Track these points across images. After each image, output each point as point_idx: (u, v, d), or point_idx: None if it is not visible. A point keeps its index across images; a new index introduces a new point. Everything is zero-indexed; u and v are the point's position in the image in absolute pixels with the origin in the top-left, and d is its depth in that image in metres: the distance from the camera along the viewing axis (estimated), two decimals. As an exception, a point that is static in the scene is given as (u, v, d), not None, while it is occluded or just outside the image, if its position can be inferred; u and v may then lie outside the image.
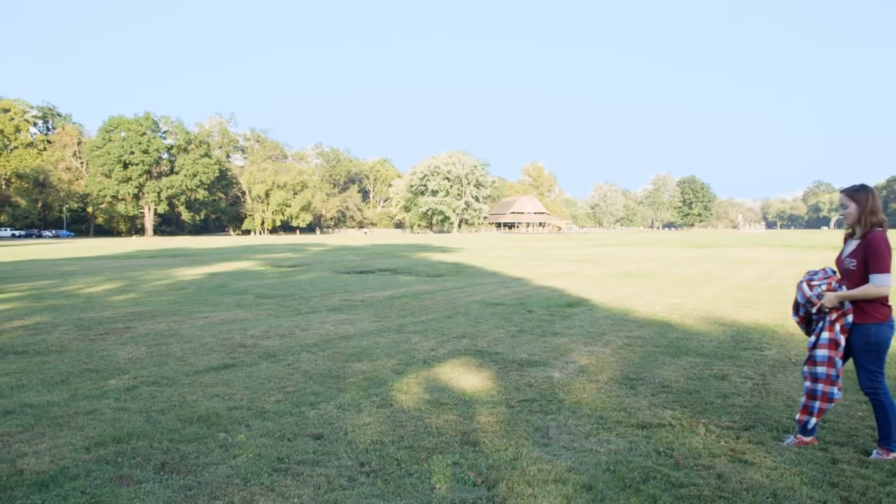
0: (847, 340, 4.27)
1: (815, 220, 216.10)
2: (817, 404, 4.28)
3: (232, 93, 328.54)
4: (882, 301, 4.14)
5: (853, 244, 4.26)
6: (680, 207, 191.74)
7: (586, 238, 69.49)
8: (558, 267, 22.11)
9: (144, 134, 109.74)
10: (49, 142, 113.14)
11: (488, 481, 3.78)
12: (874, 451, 4.23)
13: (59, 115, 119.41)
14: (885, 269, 4.03)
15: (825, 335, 4.27)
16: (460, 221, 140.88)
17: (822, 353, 4.27)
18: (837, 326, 4.24)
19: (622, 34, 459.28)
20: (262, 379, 6.22)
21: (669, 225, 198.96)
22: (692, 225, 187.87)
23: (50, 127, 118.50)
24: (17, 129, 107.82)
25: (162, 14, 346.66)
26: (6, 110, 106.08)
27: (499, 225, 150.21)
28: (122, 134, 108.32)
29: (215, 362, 6.99)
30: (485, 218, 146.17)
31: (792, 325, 9.34)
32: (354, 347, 7.80)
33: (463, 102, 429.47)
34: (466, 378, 6.34)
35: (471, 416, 5.07)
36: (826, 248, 36.19)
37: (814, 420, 4.31)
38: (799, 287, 4.45)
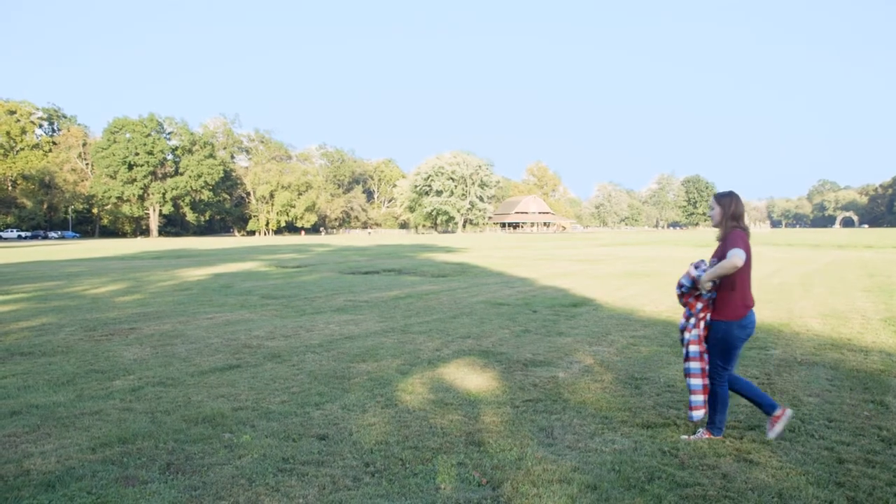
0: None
1: (821, 219, 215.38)
2: (701, 397, 4.52)
3: (236, 93, 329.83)
4: (741, 299, 4.42)
5: (719, 245, 4.55)
6: (685, 207, 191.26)
7: (591, 238, 69.41)
8: (563, 267, 22.09)
9: (149, 135, 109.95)
10: (54, 143, 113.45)
11: (493, 481, 3.78)
12: (699, 431, 4.57)
13: (65, 117, 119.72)
14: (736, 245, 4.30)
15: (694, 332, 4.54)
16: (465, 222, 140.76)
17: (693, 348, 4.53)
18: (702, 324, 4.52)
19: (625, 34, 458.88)
20: (267, 379, 6.23)
21: (674, 224, 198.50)
22: (697, 224, 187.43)
23: (55, 128, 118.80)
24: (23, 131, 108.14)
25: (165, 14, 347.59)
26: (12, 112, 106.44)
27: (503, 225, 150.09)
28: (127, 135, 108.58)
29: (220, 363, 7.00)
30: (489, 218, 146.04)
31: (798, 324, 9.32)
32: (359, 348, 7.80)
33: (467, 102, 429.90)
34: (471, 378, 6.34)
35: (475, 416, 5.08)
36: (831, 246, 36.05)
37: (702, 412, 4.53)
38: (687, 270, 4.63)
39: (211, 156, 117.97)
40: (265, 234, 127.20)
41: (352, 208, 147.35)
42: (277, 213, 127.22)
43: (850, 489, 3.64)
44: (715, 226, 4.60)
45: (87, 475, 3.85)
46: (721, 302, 4.45)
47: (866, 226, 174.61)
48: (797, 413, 5.02)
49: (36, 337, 8.72)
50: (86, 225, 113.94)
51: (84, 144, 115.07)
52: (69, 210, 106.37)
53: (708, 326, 4.53)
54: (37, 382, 6.16)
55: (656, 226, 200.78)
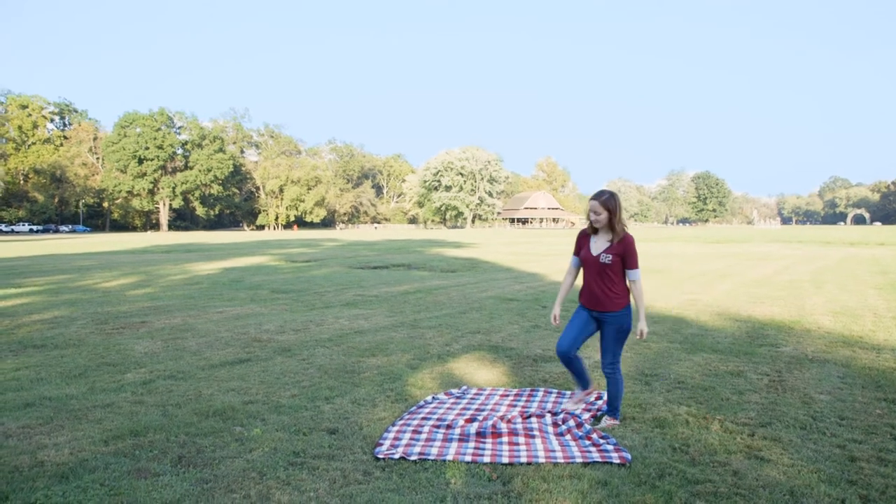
0: (602, 329, 4.74)
1: (832, 216, 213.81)
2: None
3: (245, 90, 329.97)
4: (626, 289, 4.68)
5: (602, 242, 4.65)
6: (694, 203, 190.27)
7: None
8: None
9: (159, 129, 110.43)
10: (66, 138, 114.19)
11: (503, 476, 3.78)
12: (603, 419, 4.77)
13: (76, 111, 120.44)
14: (637, 263, 4.62)
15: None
16: (474, 217, 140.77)
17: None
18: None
19: (634, 31, 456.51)
20: (278, 373, 6.26)
21: (684, 220, 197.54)
22: (706, 221, 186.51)
23: (66, 123, 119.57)
24: (35, 126, 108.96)
25: (175, 11, 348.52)
26: (24, 106, 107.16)
27: (512, 220, 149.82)
28: (138, 129, 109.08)
29: (231, 357, 7.03)
30: (498, 213, 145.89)
31: (809, 321, 9.27)
32: (369, 342, 7.82)
33: (476, 98, 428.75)
34: (481, 373, 6.35)
35: (485, 411, 5.06)
36: (842, 243, 35.81)
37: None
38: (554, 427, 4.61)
39: (221, 150, 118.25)
40: (274, 228, 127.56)
41: (361, 203, 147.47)
42: (287, 208, 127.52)
43: (863, 487, 3.62)
44: (600, 227, 4.65)
45: (99, 467, 3.88)
46: (619, 293, 4.62)
47: (878, 223, 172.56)
48: (808, 410, 5.00)
49: (48, 330, 8.79)
50: (96, 219, 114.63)
51: (95, 139, 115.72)
52: (80, 204, 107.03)
53: (604, 320, 4.69)
54: (49, 375, 6.20)
55: (665, 222, 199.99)
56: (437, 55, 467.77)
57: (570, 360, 4.81)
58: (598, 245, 4.66)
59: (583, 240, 4.80)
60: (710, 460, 4.01)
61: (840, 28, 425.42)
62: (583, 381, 5.01)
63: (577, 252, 4.83)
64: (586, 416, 4.85)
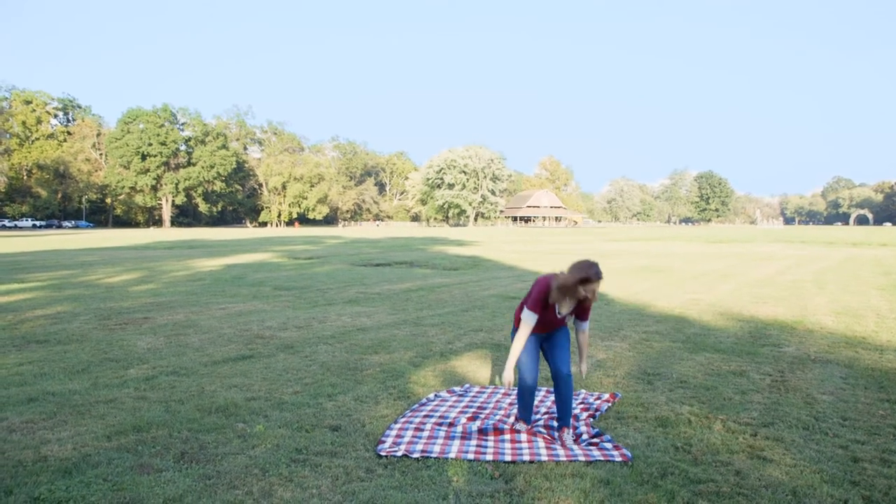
0: (552, 338, 4.63)
1: (835, 216, 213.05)
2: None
3: (249, 87, 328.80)
4: None
5: (568, 307, 4.42)
6: (697, 202, 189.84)
7: (603, 233, 69.14)
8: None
9: (162, 126, 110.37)
10: (69, 133, 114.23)
11: (506, 475, 3.78)
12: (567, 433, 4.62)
13: (79, 107, 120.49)
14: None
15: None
16: (476, 215, 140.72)
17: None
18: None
19: (635, 31, 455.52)
20: (280, 370, 6.26)
21: (686, 220, 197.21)
22: (709, 220, 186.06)
23: (70, 118, 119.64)
24: (39, 121, 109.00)
25: (177, 10, 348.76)
26: (28, 102, 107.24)
27: (515, 219, 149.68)
28: (141, 126, 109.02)
29: (233, 353, 7.04)
30: (501, 211, 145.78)
31: (811, 321, 9.26)
32: (371, 340, 7.82)
33: (478, 98, 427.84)
34: (483, 371, 6.35)
35: (487, 409, 5.06)
36: (845, 244, 35.74)
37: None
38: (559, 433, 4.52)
39: (224, 147, 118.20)
40: (277, 225, 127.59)
41: (363, 201, 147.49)
42: (289, 205, 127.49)
43: (866, 488, 3.62)
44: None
45: (102, 462, 3.89)
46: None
47: (889, 224, 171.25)
48: (811, 411, 4.99)
49: (51, 325, 8.80)
50: (99, 215, 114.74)
51: (98, 135, 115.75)
52: (83, 200, 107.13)
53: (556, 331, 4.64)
54: (52, 370, 6.22)
55: (668, 221, 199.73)
56: (439, 55, 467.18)
57: (534, 390, 4.63)
58: (564, 309, 4.45)
59: (550, 304, 4.41)
60: (712, 460, 4.01)
61: (840, 28, 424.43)
62: (529, 411, 4.71)
63: (538, 310, 4.36)
64: (584, 415, 4.84)
